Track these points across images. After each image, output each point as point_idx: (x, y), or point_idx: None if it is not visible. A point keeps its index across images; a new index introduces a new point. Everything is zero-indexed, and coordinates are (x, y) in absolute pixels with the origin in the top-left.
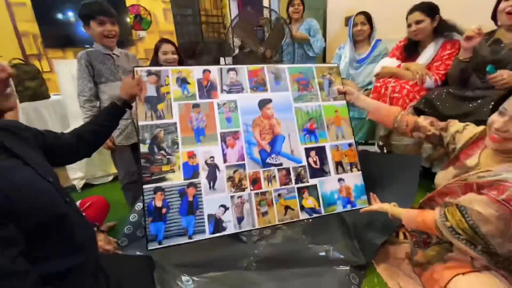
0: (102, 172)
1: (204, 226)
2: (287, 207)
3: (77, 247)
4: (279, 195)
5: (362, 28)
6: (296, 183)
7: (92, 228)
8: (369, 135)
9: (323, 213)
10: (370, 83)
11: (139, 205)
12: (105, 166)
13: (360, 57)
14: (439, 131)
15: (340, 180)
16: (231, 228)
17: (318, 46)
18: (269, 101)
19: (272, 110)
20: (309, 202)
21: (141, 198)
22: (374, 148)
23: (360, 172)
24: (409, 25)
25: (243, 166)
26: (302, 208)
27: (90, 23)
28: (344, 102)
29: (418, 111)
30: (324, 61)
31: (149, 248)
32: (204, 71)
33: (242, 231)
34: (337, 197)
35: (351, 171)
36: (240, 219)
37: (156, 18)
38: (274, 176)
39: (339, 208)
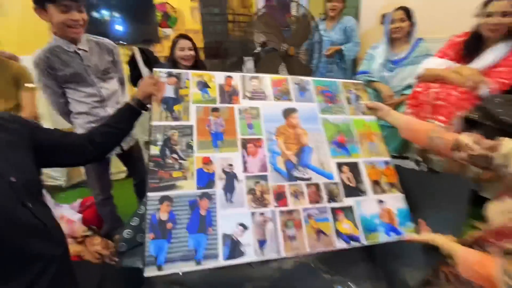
0: (115, 169)
1: (217, 249)
2: (319, 232)
3: (28, 260)
4: (309, 215)
5: (401, 24)
6: (329, 202)
7: (60, 239)
8: (404, 148)
9: (363, 242)
10: (409, 87)
11: (142, 208)
12: (118, 162)
13: (397, 58)
14: (486, 151)
15: (380, 202)
16: (250, 253)
17: (352, 53)
18: (294, 110)
19: (297, 120)
20: (346, 226)
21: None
22: (409, 164)
23: (402, 194)
24: (489, 15)
25: (265, 177)
26: (338, 233)
27: (47, 6)
28: (374, 117)
29: (470, 123)
30: (354, 62)
31: (146, 275)
32: (226, 77)
33: (265, 260)
34: (379, 223)
35: (391, 192)
36: (262, 243)
37: (183, 16)
38: (302, 193)
39: (382, 237)
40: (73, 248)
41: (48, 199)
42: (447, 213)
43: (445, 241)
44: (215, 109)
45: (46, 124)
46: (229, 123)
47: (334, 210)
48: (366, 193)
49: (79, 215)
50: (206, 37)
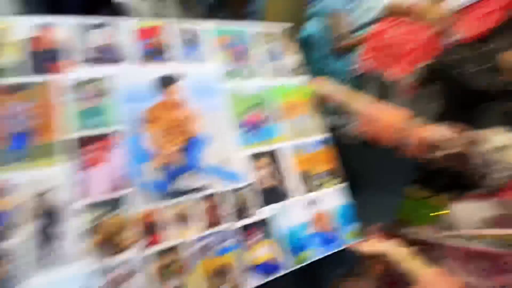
0: None
1: None
2: (221, 271)
3: None
4: (204, 248)
5: None
6: (240, 217)
7: None
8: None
9: (290, 267)
10: (366, 25)
11: None
12: None
13: None
14: (467, 146)
15: (312, 203)
16: None
17: None
18: (178, 77)
19: (183, 93)
20: (263, 252)
21: None
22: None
23: (343, 184)
24: None
25: (122, 201)
26: (251, 266)
27: None
28: (305, 78)
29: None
30: None
31: None
32: (42, 26)
33: None
34: (309, 234)
35: (329, 184)
36: None
37: None
38: (196, 214)
39: (316, 253)
40: None
41: None
42: (384, 195)
43: (406, 256)
44: (17, 88)
45: None
46: (48, 113)
47: (245, 230)
48: (292, 193)
49: None
50: None
